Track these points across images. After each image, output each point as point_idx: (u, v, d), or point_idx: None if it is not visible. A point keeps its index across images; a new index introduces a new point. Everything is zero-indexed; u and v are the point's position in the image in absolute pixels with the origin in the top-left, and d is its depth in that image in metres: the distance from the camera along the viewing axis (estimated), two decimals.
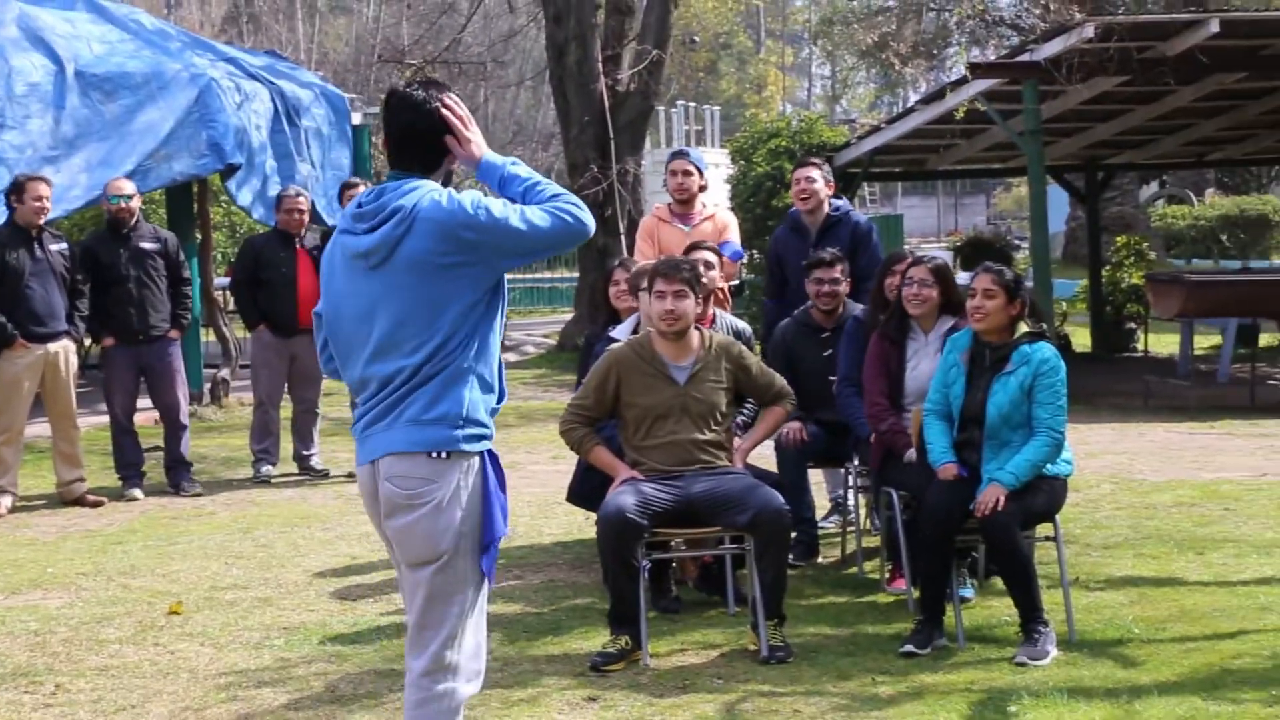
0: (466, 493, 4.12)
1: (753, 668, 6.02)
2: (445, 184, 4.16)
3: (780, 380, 6.76)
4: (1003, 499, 6.05)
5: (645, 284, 6.63)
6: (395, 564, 4.32)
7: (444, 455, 4.08)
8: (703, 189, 9.01)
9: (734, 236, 8.99)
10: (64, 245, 9.87)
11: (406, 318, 4.07)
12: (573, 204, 4.09)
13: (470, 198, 4.05)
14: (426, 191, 4.08)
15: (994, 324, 6.28)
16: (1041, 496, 6.22)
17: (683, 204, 8.96)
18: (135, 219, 10.14)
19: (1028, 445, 6.16)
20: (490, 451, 4.18)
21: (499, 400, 4.19)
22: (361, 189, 10.65)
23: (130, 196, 10.19)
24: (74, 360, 9.94)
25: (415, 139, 4.13)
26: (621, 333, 7.19)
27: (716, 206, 9.31)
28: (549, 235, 4.06)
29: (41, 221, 9.62)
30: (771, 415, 6.77)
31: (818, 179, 8.57)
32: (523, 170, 4.17)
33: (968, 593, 6.82)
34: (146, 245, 10.13)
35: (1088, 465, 10.18)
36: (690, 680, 5.89)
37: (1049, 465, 6.22)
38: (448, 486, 4.09)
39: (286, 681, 5.99)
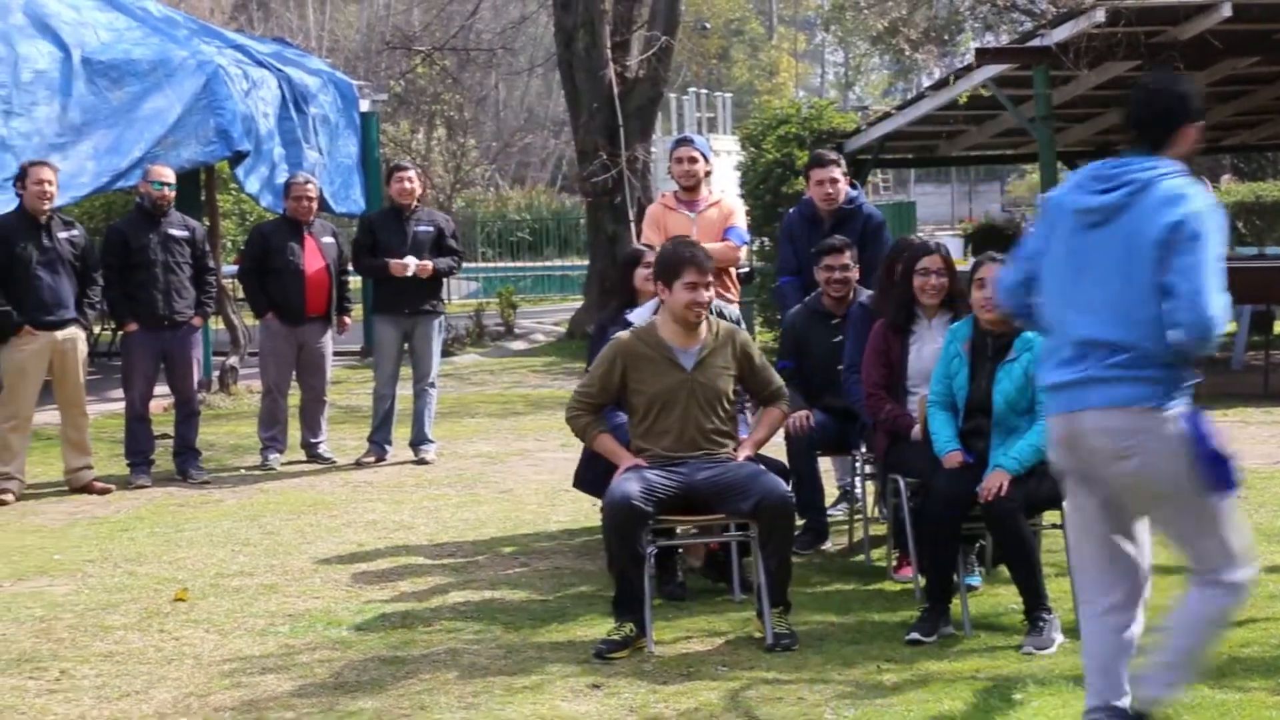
0: (1176, 440, 4.42)
1: (758, 655, 5.99)
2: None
3: (778, 380, 6.73)
4: (1006, 484, 6.02)
5: (666, 271, 6.44)
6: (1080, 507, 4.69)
7: (1151, 409, 4.41)
8: (708, 174, 8.98)
9: (739, 222, 8.97)
10: (75, 232, 9.84)
11: (1109, 283, 4.43)
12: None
13: (1217, 227, 4.40)
14: (1165, 175, 4.49)
15: (1003, 313, 6.24)
16: (1047, 482, 6.16)
17: (688, 190, 8.92)
18: (170, 206, 10.15)
19: (1030, 430, 6.14)
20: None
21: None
22: (411, 173, 10.66)
23: (171, 184, 10.19)
24: (83, 348, 9.92)
25: (1161, 124, 4.58)
26: (640, 316, 7.13)
27: (722, 193, 9.28)
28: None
29: (46, 206, 9.58)
30: (769, 417, 6.70)
31: (840, 180, 8.55)
32: None
33: (975, 581, 6.79)
34: (175, 232, 10.12)
35: None
36: (695, 667, 5.86)
37: None
38: (1156, 439, 4.41)
39: (291, 668, 5.98)
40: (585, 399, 6.49)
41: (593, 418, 6.49)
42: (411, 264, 10.38)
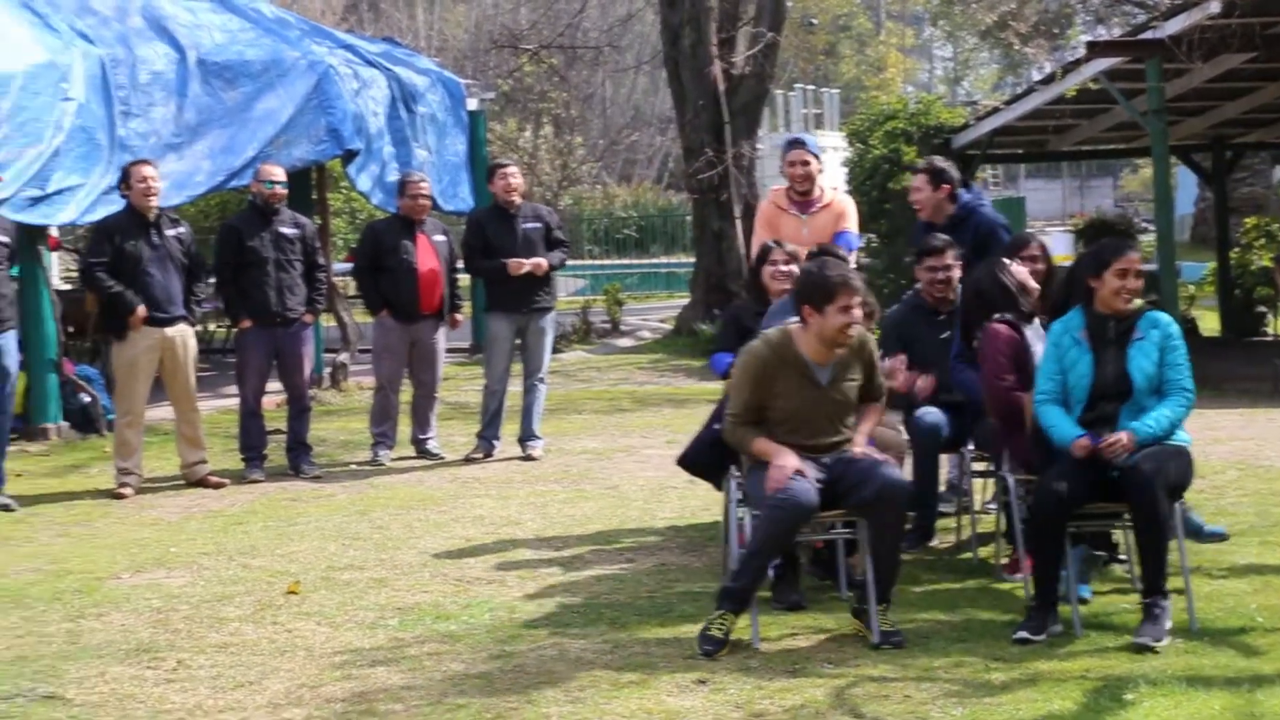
0: None
1: (864, 652, 5.97)
2: None
3: (884, 383, 6.69)
4: (1128, 440, 6.03)
5: (816, 294, 6.26)
6: None
7: None
8: (819, 172, 8.92)
9: (851, 225, 8.78)
10: (182, 229, 10.02)
11: None
12: None
13: None
14: None
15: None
16: (1174, 463, 6.17)
17: (802, 193, 8.84)
18: (282, 204, 10.29)
19: (1164, 403, 6.16)
20: None
21: None
22: (513, 169, 10.74)
23: (283, 183, 10.34)
24: (192, 344, 10.09)
25: None
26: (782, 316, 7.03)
27: (834, 191, 9.13)
28: None
29: (153, 203, 9.75)
30: (874, 411, 6.62)
31: (922, 188, 8.52)
32: None
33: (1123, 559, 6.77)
34: (286, 230, 10.25)
35: (1214, 451, 9.96)
36: (800, 664, 5.86)
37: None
38: None
39: (400, 661, 6.05)
40: (738, 419, 6.37)
41: (748, 428, 6.34)
42: (528, 264, 10.45)
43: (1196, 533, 7.01)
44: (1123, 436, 6.06)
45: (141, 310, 9.64)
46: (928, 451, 7.56)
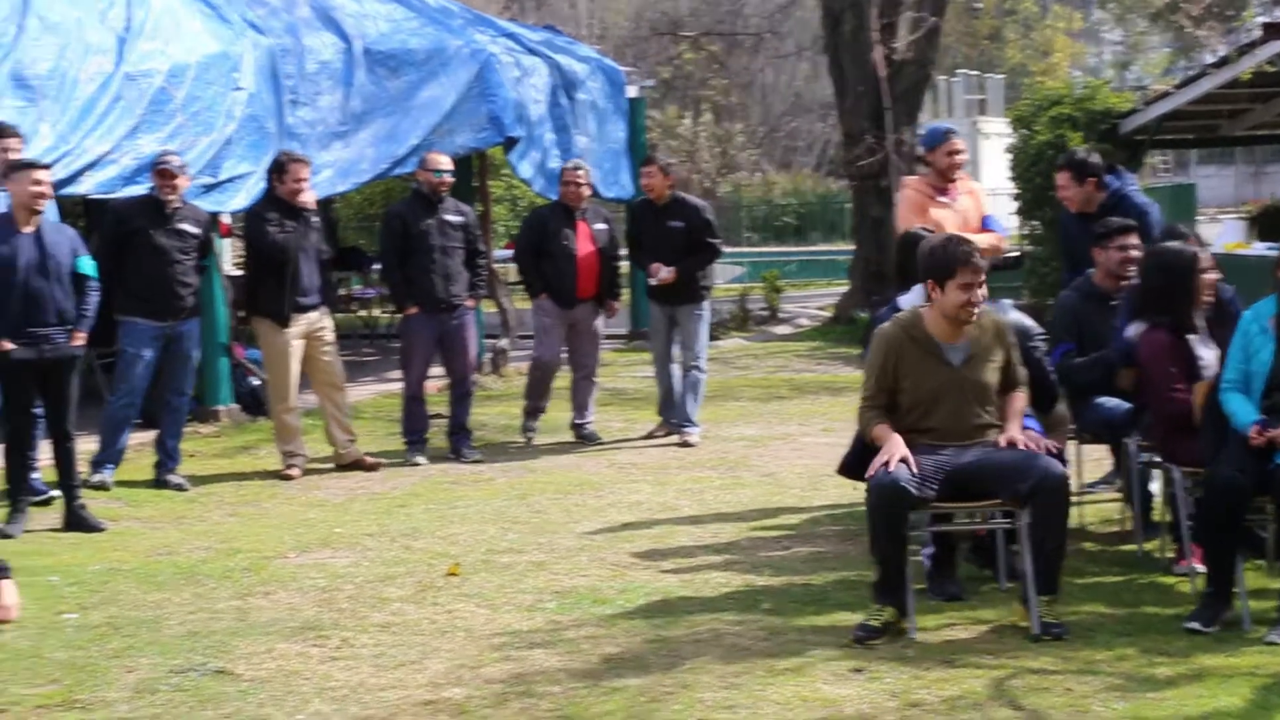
0: None
1: (1023, 644, 5.90)
2: None
3: (1023, 373, 6.57)
4: None
5: (938, 270, 6.26)
6: None
7: None
8: None
9: (991, 208, 8.93)
10: (317, 219, 10.18)
11: None
12: None
13: None
14: None
15: None
16: None
17: (949, 181, 8.81)
18: (447, 192, 10.44)
19: None
20: None
21: None
22: (652, 168, 10.78)
23: (449, 171, 10.50)
24: (331, 329, 10.25)
25: None
26: (909, 301, 7.00)
27: (964, 176, 9.06)
28: None
29: (297, 201, 9.90)
30: (1018, 399, 6.50)
31: (1066, 186, 8.50)
32: None
33: None
34: (450, 217, 10.39)
35: None
36: (958, 655, 5.80)
37: None
38: None
39: (558, 644, 6.11)
40: (872, 403, 6.34)
41: (877, 412, 6.31)
42: (660, 275, 10.66)
43: None
44: None
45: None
46: (1113, 441, 7.49)
